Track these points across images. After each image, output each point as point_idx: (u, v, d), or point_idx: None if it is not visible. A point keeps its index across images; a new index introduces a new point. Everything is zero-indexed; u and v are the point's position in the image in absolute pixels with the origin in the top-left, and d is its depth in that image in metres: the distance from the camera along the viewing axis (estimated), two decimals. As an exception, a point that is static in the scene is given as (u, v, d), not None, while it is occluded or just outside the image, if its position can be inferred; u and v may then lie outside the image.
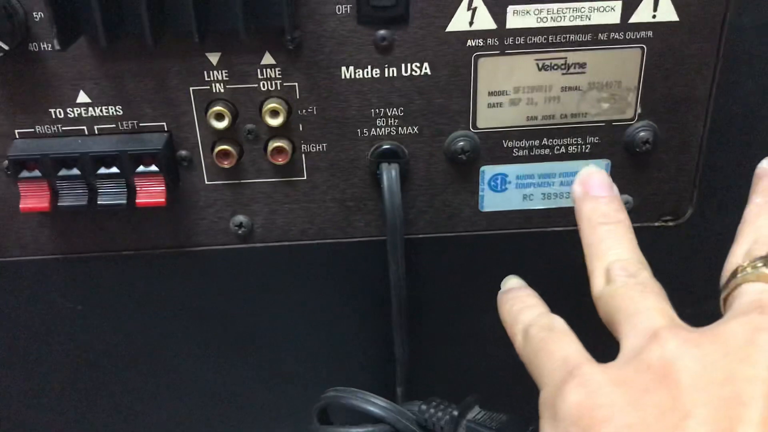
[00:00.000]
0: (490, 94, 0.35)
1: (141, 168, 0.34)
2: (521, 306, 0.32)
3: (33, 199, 0.34)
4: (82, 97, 0.34)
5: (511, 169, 0.37)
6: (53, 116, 0.34)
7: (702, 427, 0.22)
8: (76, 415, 0.43)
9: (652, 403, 0.23)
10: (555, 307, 0.36)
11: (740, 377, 0.22)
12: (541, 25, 0.33)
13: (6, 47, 0.31)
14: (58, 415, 0.43)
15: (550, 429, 0.25)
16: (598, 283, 0.29)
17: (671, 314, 0.27)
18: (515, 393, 0.39)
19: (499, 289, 0.36)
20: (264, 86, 0.34)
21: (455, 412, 0.34)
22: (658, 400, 0.23)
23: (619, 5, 0.33)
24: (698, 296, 0.36)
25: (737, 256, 0.28)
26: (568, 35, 0.34)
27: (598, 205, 0.31)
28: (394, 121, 0.35)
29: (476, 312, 0.40)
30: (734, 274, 0.27)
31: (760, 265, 0.26)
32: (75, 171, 0.34)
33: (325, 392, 0.37)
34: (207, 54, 0.33)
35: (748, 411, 0.21)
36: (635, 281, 0.28)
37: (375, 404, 0.35)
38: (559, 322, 0.30)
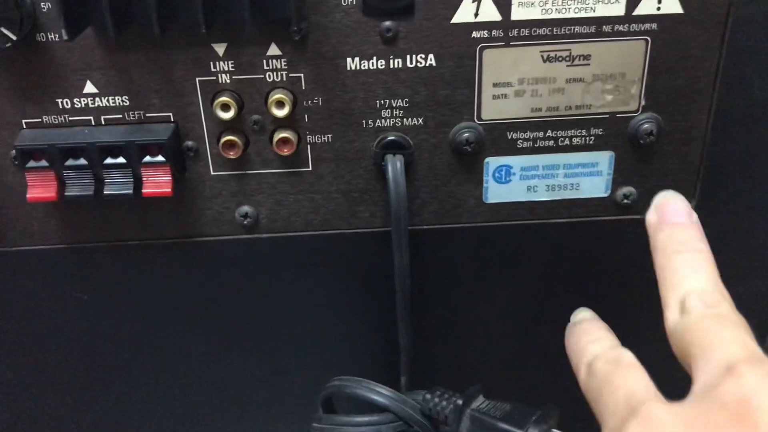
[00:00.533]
0: (495, 85, 0.35)
1: (147, 158, 0.34)
2: (588, 339, 0.29)
3: (40, 189, 0.35)
4: (89, 88, 0.34)
5: (515, 161, 0.37)
6: (60, 106, 0.34)
7: None
8: (80, 404, 0.43)
9: None
10: (558, 298, 0.36)
11: None
12: (546, 16, 0.34)
13: (14, 37, 0.31)
14: (62, 405, 0.43)
15: None
16: (671, 315, 0.26)
17: (753, 348, 0.24)
18: (519, 382, 0.40)
19: (503, 277, 0.36)
20: (270, 77, 0.34)
21: (459, 401, 0.34)
22: None
23: (623, -3, 0.33)
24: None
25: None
26: (572, 27, 0.34)
27: (674, 233, 0.28)
28: (399, 113, 0.35)
29: (480, 302, 0.40)
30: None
31: None
32: (82, 161, 0.34)
33: (329, 381, 0.37)
34: (213, 45, 0.33)
35: None
36: (713, 312, 0.25)
37: (379, 393, 0.35)
38: (627, 355, 0.27)
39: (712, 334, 0.24)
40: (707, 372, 0.23)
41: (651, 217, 0.30)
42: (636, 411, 0.23)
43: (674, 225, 0.29)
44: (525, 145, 0.37)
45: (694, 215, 0.29)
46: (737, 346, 0.23)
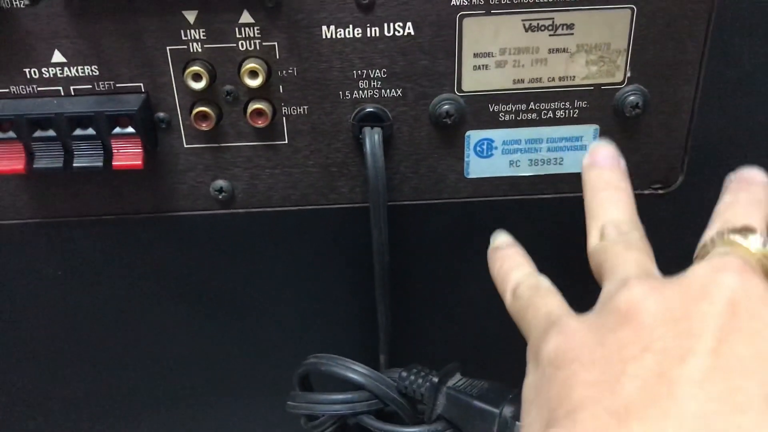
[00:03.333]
0: (476, 55, 0.34)
1: (117, 129, 0.34)
2: (510, 265, 0.33)
3: (8, 161, 0.34)
4: (58, 57, 0.33)
5: (497, 134, 0.36)
6: (28, 76, 0.33)
7: (657, 356, 0.23)
8: (55, 381, 0.43)
9: (615, 340, 0.24)
10: (542, 272, 0.35)
11: (696, 313, 0.24)
12: (528, -17, 0.32)
13: (-24, 3, 0.30)
14: (37, 381, 0.43)
15: (533, 372, 0.28)
16: (592, 240, 0.31)
17: (649, 268, 0.28)
18: (499, 360, 0.39)
19: (485, 255, 0.35)
20: (242, 46, 0.33)
21: (435, 379, 0.33)
22: (621, 337, 0.24)
23: (608, -37, 0.32)
24: (689, 265, 0.35)
25: (708, 234, 0.29)
26: (555, -6, 0.33)
27: (602, 173, 0.33)
28: (377, 83, 0.34)
29: (461, 279, 0.40)
30: (704, 246, 0.28)
31: (729, 235, 0.27)
32: (51, 132, 0.33)
33: (305, 359, 0.36)
34: (184, 12, 0.32)
35: (700, 343, 0.23)
36: (624, 238, 0.30)
37: (355, 371, 0.34)
38: (545, 282, 0.32)
39: (620, 257, 0.29)
40: (609, 283, 0.28)
41: (585, 160, 0.34)
42: (554, 323, 0.27)
43: (602, 167, 0.33)
44: (507, 117, 0.36)
45: (623, 161, 0.33)
46: (636, 266, 0.28)
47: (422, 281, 0.40)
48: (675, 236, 0.39)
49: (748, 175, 0.33)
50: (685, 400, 0.21)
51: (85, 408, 0.44)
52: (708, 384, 0.22)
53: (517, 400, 0.31)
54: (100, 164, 0.34)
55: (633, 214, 0.31)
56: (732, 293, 0.24)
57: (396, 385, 0.34)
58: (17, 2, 0.32)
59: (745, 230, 0.27)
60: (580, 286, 0.34)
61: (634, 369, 0.23)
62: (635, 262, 0.28)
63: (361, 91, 0.35)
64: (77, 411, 0.44)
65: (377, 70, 0.34)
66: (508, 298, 0.32)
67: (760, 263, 0.26)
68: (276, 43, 0.33)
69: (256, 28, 0.33)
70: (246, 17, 0.33)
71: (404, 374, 0.34)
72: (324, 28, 0.33)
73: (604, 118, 0.36)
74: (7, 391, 0.43)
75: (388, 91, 0.35)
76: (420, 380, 0.34)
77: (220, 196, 0.37)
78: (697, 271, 0.25)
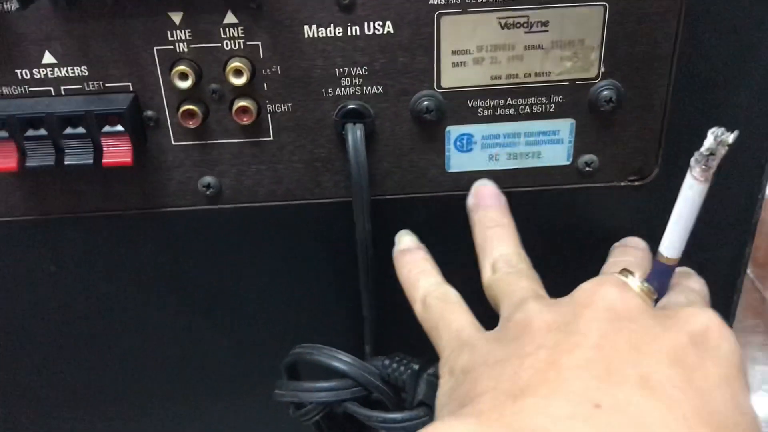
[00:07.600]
0: (454, 53, 0.35)
1: (107, 128, 0.35)
2: (418, 271, 0.37)
3: (1, 160, 0.35)
4: (48, 58, 0.34)
5: (476, 129, 0.37)
6: (19, 77, 0.34)
7: (549, 350, 0.27)
8: (47, 377, 0.44)
9: (515, 345, 0.28)
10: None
11: (582, 317, 0.28)
12: (503, -18, 0.33)
13: (-32, 6, 0.31)
14: (29, 377, 0.43)
15: (446, 383, 0.31)
16: (486, 274, 0.35)
17: (539, 292, 0.32)
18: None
19: (466, 247, 0.36)
20: (227, 45, 0.34)
21: (416, 367, 0.34)
22: (520, 342, 0.28)
23: (579, -39, 0.33)
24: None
25: None
26: (530, -7, 0.34)
27: (487, 213, 0.37)
28: (359, 81, 0.35)
29: (442, 270, 0.40)
30: None
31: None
32: (42, 131, 0.34)
33: (293, 349, 0.37)
34: (169, 13, 0.33)
35: (586, 340, 0.27)
36: (514, 270, 0.34)
37: (339, 359, 0.35)
38: (452, 293, 0.35)
39: (513, 284, 0.33)
40: (507, 308, 0.32)
41: (470, 201, 0.37)
42: (466, 342, 0.31)
43: (487, 206, 0.37)
44: (485, 113, 0.37)
45: (503, 198, 0.37)
46: (528, 291, 0.32)
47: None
48: (650, 226, 0.40)
49: (630, 242, 0.38)
50: (571, 380, 0.25)
51: (75, 404, 0.45)
52: (591, 368, 0.25)
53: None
54: (91, 162, 0.35)
55: (518, 247, 0.35)
56: (611, 303, 0.28)
57: (379, 373, 0.35)
58: (7, 6, 0.33)
59: (625, 271, 0.31)
60: (559, 275, 0.35)
61: (529, 362, 0.27)
62: (527, 288, 0.32)
63: (343, 89, 0.36)
64: (68, 407, 0.45)
65: (358, 68, 0.35)
66: (418, 307, 0.35)
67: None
68: (259, 43, 0.34)
69: (240, 28, 0.34)
70: (230, 18, 0.34)
71: (387, 362, 0.35)
72: (306, 27, 0.34)
73: (579, 112, 0.37)
74: None
75: (369, 88, 0.36)
76: (402, 368, 0.35)
77: (208, 192, 0.38)
78: (583, 287, 0.30)
